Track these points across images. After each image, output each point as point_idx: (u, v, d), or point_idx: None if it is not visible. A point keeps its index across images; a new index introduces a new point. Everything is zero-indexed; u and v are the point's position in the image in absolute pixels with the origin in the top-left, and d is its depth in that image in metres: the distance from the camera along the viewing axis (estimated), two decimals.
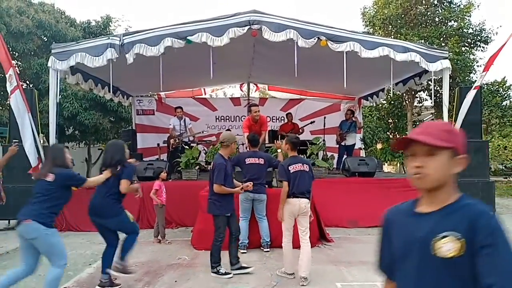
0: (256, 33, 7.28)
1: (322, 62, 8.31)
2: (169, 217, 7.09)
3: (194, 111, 12.37)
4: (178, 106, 10.03)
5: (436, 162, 1.27)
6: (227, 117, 13.08)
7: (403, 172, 17.59)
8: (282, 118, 12.37)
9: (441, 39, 14.00)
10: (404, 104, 16.47)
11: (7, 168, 7.38)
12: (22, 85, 8.45)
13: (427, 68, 7.77)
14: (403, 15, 14.69)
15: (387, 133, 18.01)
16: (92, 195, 4.23)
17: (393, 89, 10.26)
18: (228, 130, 11.91)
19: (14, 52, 13.11)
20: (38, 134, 7.24)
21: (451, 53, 10.76)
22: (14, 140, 6.49)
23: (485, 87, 14.78)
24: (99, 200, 4.17)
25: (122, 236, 4.27)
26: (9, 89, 6.82)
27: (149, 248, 5.94)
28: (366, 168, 7.88)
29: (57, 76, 7.49)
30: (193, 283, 4.37)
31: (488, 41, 14.59)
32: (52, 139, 7.37)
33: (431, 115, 18.95)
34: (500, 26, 16.25)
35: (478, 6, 14.79)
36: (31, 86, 13.19)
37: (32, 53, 13.56)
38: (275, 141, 8.17)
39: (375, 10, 15.74)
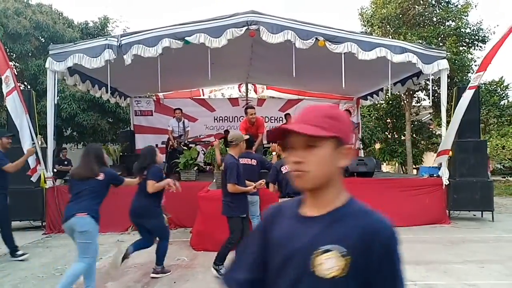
0: (254, 34, 7.28)
1: (320, 62, 8.32)
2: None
3: (192, 112, 12.36)
4: (177, 108, 10.04)
5: (316, 156, 1.03)
6: (226, 118, 13.07)
7: (402, 172, 17.62)
8: (281, 119, 12.37)
9: (439, 39, 14.01)
10: (402, 104, 16.48)
11: None
12: (19, 86, 8.43)
13: (422, 70, 7.80)
14: (401, 15, 14.70)
15: (386, 133, 18.03)
16: (133, 198, 4.53)
17: (391, 89, 10.28)
18: (227, 131, 11.92)
19: (11, 53, 13.07)
20: (36, 135, 7.22)
21: (449, 53, 10.78)
22: (32, 143, 6.50)
23: (483, 87, 14.81)
24: (138, 203, 4.47)
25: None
26: (5, 90, 6.79)
27: (148, 249, 5.91)
28: (365, 168, 7.88)
29: (55, 77, 7.48)
30: (192, 284, 4.37)
31: (486, 40, 14.60)
32: (50, 141, 7.36)
33: (429, 115, 18.98)
34: (498, 25, 16.23)
35: (475, 6, 14.81)
36: (28, 87, 13.17)
37: (30, 54, 13.53)
38: (271, 143, 8.17)
39: (373, 10, 15.75)
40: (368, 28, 15.76)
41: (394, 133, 18.21)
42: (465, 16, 14.56)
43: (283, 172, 4.49)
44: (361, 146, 13.43)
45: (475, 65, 14.22)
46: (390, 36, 14.44)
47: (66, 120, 13.24)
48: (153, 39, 7.19)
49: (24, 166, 6.38)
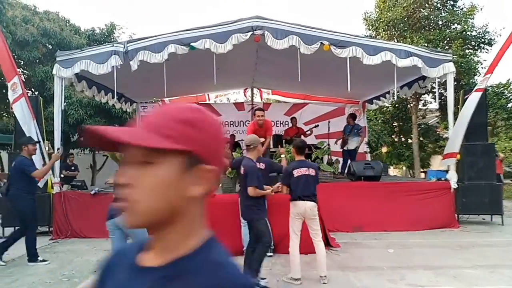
0: (259, 39, 7.30)
1: (325, 66, 8.31)
2: None
3: None
4: None
5: (150, 178, 0.69)
6: (231, 122, 13.08)
7: (410, 176, 17.51)
8: (286, 123, 12.34)
9: (445, 42, 13.97)
10: (408, 107, 16.41)
11: None
12: (27, 92, 8.52)
13: (428, 74, 7.77)
14: (406, 18, 14.68)
15: (392, 136, 17.95)
16: None
17: (398, 92, 10.23)
18: (232, 135, 11.92)
19: (19, 60, 13.22)
20: (44, 141, 7.28)
21: (455, 56, 10.72)
22: (57, 148, 6.61)
23: (490, 90, 14.71)
24: None
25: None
26: (12, 97, 6.86)
27: None
28: (372, 172, 7.83)
29: (62, 83, 7.55)
30: None
31: (492, 43, 14.55)
32: (57, 146, 7.40)
33: (436, 118, 18.87)
34: (504, 27, 16.21)
35: (481, 8, 14.77)
36: (36, 93, 13.29)
37: (37, 61, 13.67)
38: (278, 146, 8.14)
39: (378, 14, 15.74)
40: (373, 32, 15.75)
41: (401, 136, 18.14)
42: (471, 19, 14.51)
43: (295, 176, 4.49)
44: (368, 150, 13.36)
45: (482, 68, 14.17)
46: (396, 40, 14.42)
47: (73, 125, 13.32)
48: (159, 45, 7.24)
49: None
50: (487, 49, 14.79)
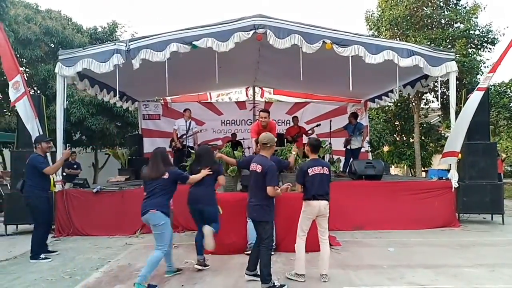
0: (261, 37, 7.30)
1: (327, 65, 8.30)
2: (176, 221, 7.09)
3: (199, 115, 12.40)
4: (186, 108, 10.04)
5: None
6: (233, 121, 13.11)
7: (411, 175, 17.49)
8: (288, 121, 12.36)
9: (448, 41, 13.93)
10: (410, 106, 16.38)
11: (16, 173, 7.48)
12: (29, 91, 8.55)
13: (429, 74, 7.77)
14: (409, 17, 14.64)
15: (394, 135, 17.93)
16: (193, 189, 4.93)
17: (401, 91, 10.21)
18: (234, 134, 11.94)
19: (22, 59, 13.28)
20: None
21: (458, 55, 10.69)
22: (68, 145, 6.67)
23: (493, 89, 14.67)
24: (203, 191, 4.90)
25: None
26: (14, 95, 6.89)
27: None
28: (373, 171, 7.82)
29: (64, 82, 7.57)
30: (200, 287, 4.37)
31: (495, 42, 14.50)
32: (60, 145, 7.43)
33: (438, 117, 18.84)
34: (507, 27, 16.15)
35: (484, 7, 14.71)
36: (38, 92, 13.35)
37: (40, 59, 13.72)
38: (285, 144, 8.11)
39: (381, 12, 15.71)
40: (375, 32, 15.73)
41: (403, 135, 18.11)
42: (474, 18, 14.47)
43: (310, 174, 4.46)
44: (370, 149, 13.34)
45: (484, 67, 14.13)
46: (398, 38, 14.38)
47: (75, 124, 13.38)
48: (161, 43, 7.25)
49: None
50: (490, 48, 14.74)
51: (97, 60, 7.34)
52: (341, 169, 9.65)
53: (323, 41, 7.30)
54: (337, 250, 5.75)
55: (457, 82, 8.49)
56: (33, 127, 6.99)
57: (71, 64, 7.41)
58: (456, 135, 7.60)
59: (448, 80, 7.93)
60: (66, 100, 7.87)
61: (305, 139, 10.37)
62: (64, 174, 8.27)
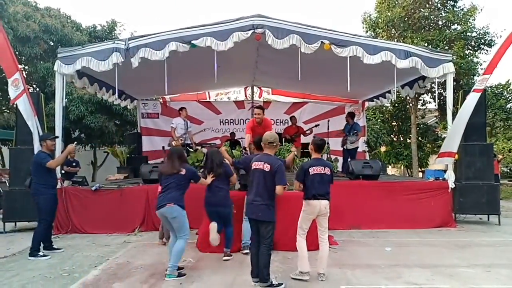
0: (260, 37, 7.34)
1: (325, 65, 8.34)
2: None
3: (198, 114, 12.44)
4: (182, 107, 9.99)
5: None
6: (231, 120, 13.15)
7: (408, 175, 17.57)
8: (286, 121, 12.41)
9: (445, 42, 13.99)
10: (408, 107, 16.45)
11: (15, 170, 7.49)
12: (28, 88, 8.55)
13: (427, 75, 7.82)
14: (406, 18, 14.69)
15: (391, 136, 17.99)
16: (209, 192, 5.27)
17: (399, 92, 10.25)
18: (233, 133, 11.97)
19: (20, 56, 13.25)
20: None
21: (455, 57, 10.73)
22: (74, 142, 6.69)
23: (489, 90, 14.75)
24: (218, 194, 5.23)
25: None
26: (15, 93, 6.89)
27: (155, 250, 5.97)
28: (370, 171, 7.87)
29: (63, 80, 7.58)
30: (197, 285, 4.40)
31: (492, 44, 14.56)
32: (58, 142, 7.45)
33: (435, 118, 18.92)
34: (504, 29, 16.22)
35: (481, 9, 14.78)
36: (37, 90, 13.33)
37: (39, 57, 13.69)
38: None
39: (377, 13, 15.75)
40: (372, 33, 15.77)
41: (400, 136, 18.18)
42: (471, 19, 14.52)
43: (311, 174, 4.45)
44: (367, 149, 13.40)
45: (481, 69, 14.19)
46: (396, 40, 14.41)
47: (74, 122, 13.38)
48: (160, 42, 7.28)
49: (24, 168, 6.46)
50: (487, 50, 14.81)
51: (96, 58, 7.36)
52: (339, 169, 9.70)
53: (321, 42, 7.35)
54: (335, 249, 5.78)
55: (454, 83, 8.53)
56: (33, 125, 7.00)
57: (70, 62, 7.42)
58: (453, 136, 7.65)
59: (445, 81, 7.99)
60: (65, 98, 7.87)
61: (303, 139, 10.43)
62: (63, 171, 8.27)
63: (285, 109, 13.25)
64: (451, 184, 7.56)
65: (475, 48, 14.88)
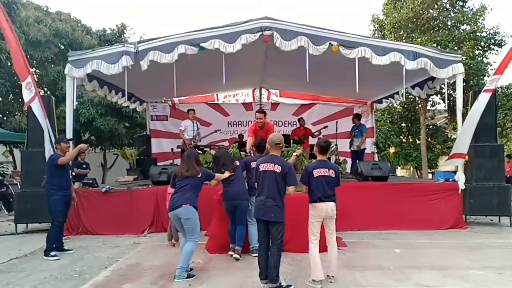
0: (268, 39, 7.35)
1: (334, 67, 8.33)
2: None
3: (206, 116, 12.48)
4: (191, 108, 10.05)
5: None
6: (239, 122, 13.17)
7: (417, 176, 17.42)
8: (294, 123, 12.39)
9: (454, 43, 13.86)
10: (417, 108, 16.32)
11: (26, 173, 7.59)
12: (39, 92, 8.66)
13: (436, 76, 7.77)
14: (414, 19, 14.59)
15: (400, 137, 17.85)
16: (228, 187, 5.48)
17: (409, 93, 10.18)
18: (241, 135, 11.99)
19: (32, 60, 13.44)
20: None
21: (464, 57, 10.63)
22: (91, 147, 6.80)
23: (500, 90, 14.57)
24: (238, 188, 5.47)
25: None
26: (28, 96, 6.98)
27: (164, 251, 6.01)
28: (379, 172, 7.83)
29: (73, 83, 7.67)
30: (207, 287, 4.42)
31: (502, 44, 14.38)
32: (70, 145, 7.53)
33: (444, 119, 18.74)
34: None
35: (491, 9, 14.62)
36: (48, 93, 13.49)
37: (50, 60, 13.88)
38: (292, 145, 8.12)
39: (385, 14, 15.67)
40: (379, 34, 15.69)
41: (409, 137, 18.02)
42: (481, 19, 14.37)
43: (315, 176, 4.41)
44: (376, 150, 13.33)
45: (491, 69, 14.04)
46: (404, 41, 14.32)
47: (85, 124, 13.53)
48: (169, 45, 7.33)
49: (44, 169, 6.55)
50: (497, 51, 14.63)
51: (106, 61, 7.44)
52: (347, 170, 9.67)
53: (330, 43, 7.34)
54: (343, 251, 5.76)
55: (464, 84, 8.45)
56: (45, 127, 7.09)
57: (80, 66, 7.52)
58: (463, 137, 7.59)
59: (454, 82, 7.93)
60: (76, 101, 7.98)
61: (311, 141, 10.42)
62: (74, 173, 8.36)
63: (293, 110, 13.23)
64: (462, 186, 7.49)
65: (485, 49, 14.72)
